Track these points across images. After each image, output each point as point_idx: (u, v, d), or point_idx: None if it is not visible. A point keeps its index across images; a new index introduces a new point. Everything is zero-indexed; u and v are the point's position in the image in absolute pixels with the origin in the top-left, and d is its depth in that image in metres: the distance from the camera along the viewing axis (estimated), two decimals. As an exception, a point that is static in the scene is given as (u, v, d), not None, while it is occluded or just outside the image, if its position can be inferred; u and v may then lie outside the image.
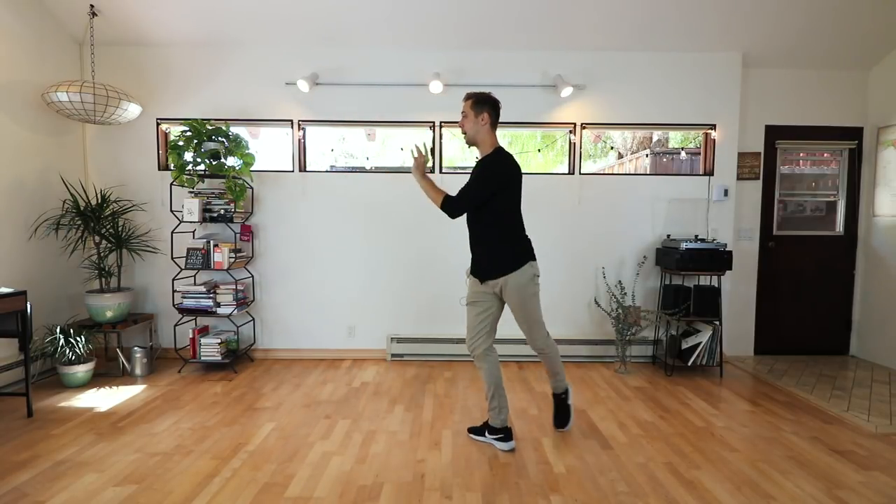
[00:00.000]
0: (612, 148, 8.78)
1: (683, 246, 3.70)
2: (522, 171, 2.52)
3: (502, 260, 2.49)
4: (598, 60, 4.04)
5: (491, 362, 2.58)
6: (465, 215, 2.55)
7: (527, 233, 2.57)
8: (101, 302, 3.60)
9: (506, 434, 2.59)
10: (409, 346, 4.11)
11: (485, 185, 2.42)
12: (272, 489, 2.17)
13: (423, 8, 3.62)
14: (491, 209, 2.47)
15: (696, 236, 3.91)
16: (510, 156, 2.50)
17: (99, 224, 3.69)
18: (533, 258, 2.53)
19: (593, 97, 4.06)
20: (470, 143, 2.57)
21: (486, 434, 2.65)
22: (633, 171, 7.63)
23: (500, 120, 2.59)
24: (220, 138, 3.68)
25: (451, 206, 2.44)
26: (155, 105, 4.02)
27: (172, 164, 3.68)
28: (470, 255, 2.62)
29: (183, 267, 3.75)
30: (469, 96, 2.52)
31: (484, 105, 2.49)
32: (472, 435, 2.72)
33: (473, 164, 2.61)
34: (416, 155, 2.56)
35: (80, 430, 2.74)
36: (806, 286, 4.38)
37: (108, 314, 3.63)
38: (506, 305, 2.60)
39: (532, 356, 4.08)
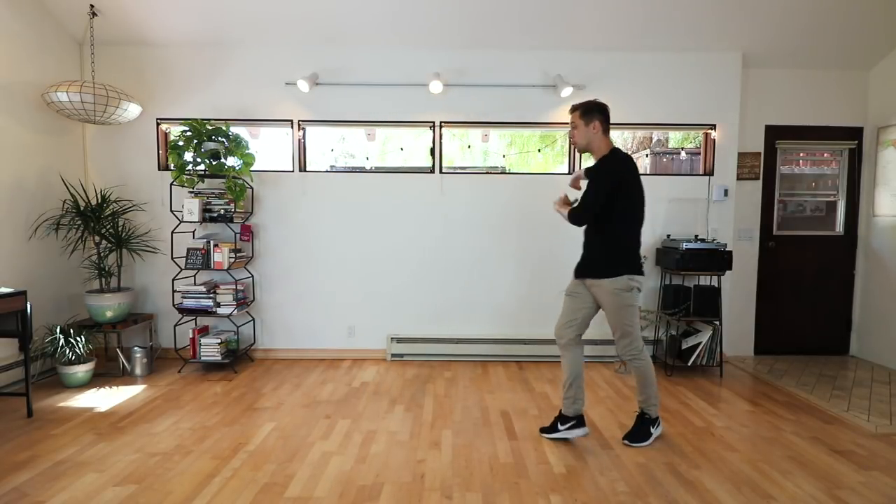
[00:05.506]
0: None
1: (683, 246, 3.70)
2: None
3: (597, 264, 2.53)
4: (598, 60, 4.03)
5: (575, 353, 2.62)
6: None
7: (637, 247, 2.56)
8: (101, 302, 3.60)
9: (577, 420, 2.61)
10: (409, 346, 4.10)
11: (599, 188, 2.42)
12: (272, 489, 2.17)
13: (423, 8, 3.62)
14: (600, 214, 2.47)
15: (696, 236, 3.91)
16: (626, 157, 2.49)
17: (99, 224, 3.69)
18: (633, 272, 2.49)
19: (593, 97, 4.03)
20: (583, 151, 2.59)
21: (559, 426, 2.64)
22: (633, 171, 7.61)
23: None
24: (220, 138, 3.68)
25: (574, 217, 2.48)
26: (155, 105, 4.02)
27: (172, 164, 3.68)
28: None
29: (183, 267, 3.75)
30: (576, 108, 2.53)
31: (593, 113, 2.49)
32: (546, 435, 2.69)
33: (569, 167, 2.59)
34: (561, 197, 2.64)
35: (80, 430, 2.74)
36: (806, 286, 4.38)
37: (108, 314, 3.63)
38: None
39: (532, 356, 4.09)
